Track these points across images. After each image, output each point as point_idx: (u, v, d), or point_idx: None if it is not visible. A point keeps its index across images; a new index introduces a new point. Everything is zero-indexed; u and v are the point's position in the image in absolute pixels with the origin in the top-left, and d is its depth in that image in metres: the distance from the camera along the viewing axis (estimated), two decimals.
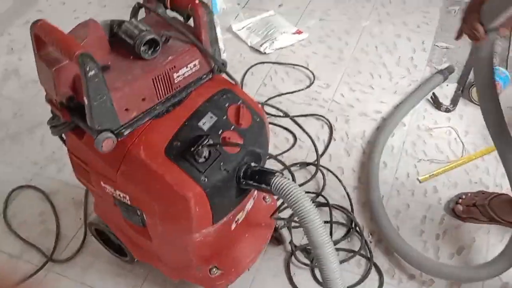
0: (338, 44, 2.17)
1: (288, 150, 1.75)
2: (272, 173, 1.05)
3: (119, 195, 1.09)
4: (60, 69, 0.90)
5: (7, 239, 1.55)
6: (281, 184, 1.02)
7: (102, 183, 1.10)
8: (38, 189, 1.66)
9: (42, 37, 0.88)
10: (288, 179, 1.04)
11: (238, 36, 2.24)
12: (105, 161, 1.03)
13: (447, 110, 1.84)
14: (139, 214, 1.11)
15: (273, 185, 1.03)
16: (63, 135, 1.11)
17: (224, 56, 2.13)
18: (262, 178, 1.05)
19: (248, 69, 2.09)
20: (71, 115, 0.97)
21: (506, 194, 1.51)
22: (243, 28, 2.26)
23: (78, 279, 1.44)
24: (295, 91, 1.96)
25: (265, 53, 2.13)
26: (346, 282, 1.20)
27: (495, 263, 1.30)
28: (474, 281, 1.36)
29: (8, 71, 2.15)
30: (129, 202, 1.09)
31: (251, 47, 2.18)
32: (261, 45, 2.14)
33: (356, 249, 1.46)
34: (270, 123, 1.83)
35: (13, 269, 1.46)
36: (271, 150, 1.74)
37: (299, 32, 2.19)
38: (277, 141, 1.79)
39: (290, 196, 1.01)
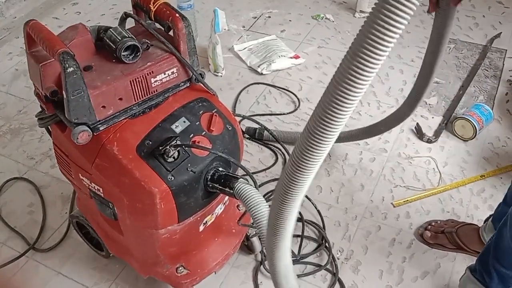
0: (333, 71, 2.22)
1: (272, 166, 1.82)
2: (236, 178, 1.12)
3: (94, 187, 1.17)
4: (47, 65, 1.00)
5: None
6: (242, 189, 1.10)
7: (80, 175, 1.19)
8: (31, 182, 1.76)
9: (33, 35, 0.98)
10: (250, 185, 1.12)
11: (239, 56, 2.35)
12: (82, 153, 1.12)
13: (429, 141, 1.90)
14: (111, 207, 1.18)
15: (235, 189, 1.10)
16: (49, 127, 1.21)
17: (223, 73, 2.24)
18: (227, 182, 1.13)
19: (245, 87, 2.18)
20: (54, 108, 1.07)
21: (474, 224, 1.56)
22: (244, 49, 2.37)
23: (56, 268, 1.52)
24: (281, 114, 2.05)
25: (262, 73, 2.23)
26: None
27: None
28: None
29: (18, 71, 2.28)
30: (102, 195, 1.17)
31: (250, 67, 2.28)
32: (258, 66, 2.24)
33: (324, 264, 1.52)
34: (255, 139, 1.92)
35: None
36: (256, 164, 1.83)
37: (296, 57, 2.29)
38: (262, 156, 1.87)
39: (249, 201, 1.08)
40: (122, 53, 1.04)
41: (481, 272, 1.28)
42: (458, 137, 1.91)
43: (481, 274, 1.28)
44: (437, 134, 1.93)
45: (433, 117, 2.01)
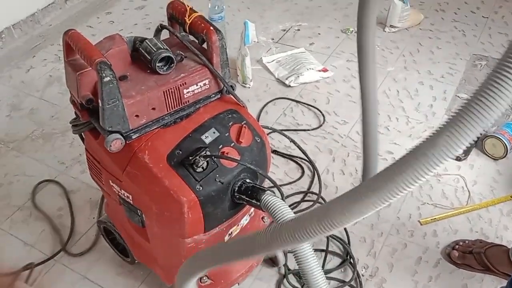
0: None
1: (297, 179, 1.82)
2: (263, 190, 1.13)
3: (124, 194, 1.19)
4: (84, 74, 1.03)
5: (25, 228, 1.68)
6: (269, 201, 1.09)
7: (110, 182, 1.21)
8: (61, 186, 1.80)
9: (71, 44, 1.01)
10: (277, 197, 1.12)
11: (267, 68, 2.36)
12: (114, 161, 1.14)
13: (458, 159, 1.87)
14: (139, 214, 1.20)
15: (262, 201, 1.10)
16: (82, 134, 1.24)
17: (251, 84, 2.25)
18: (254, 194, 1.13)
19: (272, 100, 2.19)
20: (89, 116, 1.09)
21: (504, 245, 1.52)
22: (273, 61, 2.39)
23: (82, 273, 1.55)
24: (306, 130, 2.04)
25: (289, 86, 2.23)
26: None
27: None
28: None
29: (52, 78, 2.34)
30: (131, 202, 1.19)
31: (278, 79, 2.29)
32: (286, 78, 2.25)
33: (348, 280, 1.50)
34: (279, 153, 1.92)
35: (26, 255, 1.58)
36: (282, 177, 1.83)
37: (324, 70, 2.29)
38: (288, 169, 1.87)
39: (276, 213, 1.08)
40: (157, 64, 1.06)
41: None
42: (488, 156, 1.87)
43: None
44: (466, 152, 1.89)
45: None
